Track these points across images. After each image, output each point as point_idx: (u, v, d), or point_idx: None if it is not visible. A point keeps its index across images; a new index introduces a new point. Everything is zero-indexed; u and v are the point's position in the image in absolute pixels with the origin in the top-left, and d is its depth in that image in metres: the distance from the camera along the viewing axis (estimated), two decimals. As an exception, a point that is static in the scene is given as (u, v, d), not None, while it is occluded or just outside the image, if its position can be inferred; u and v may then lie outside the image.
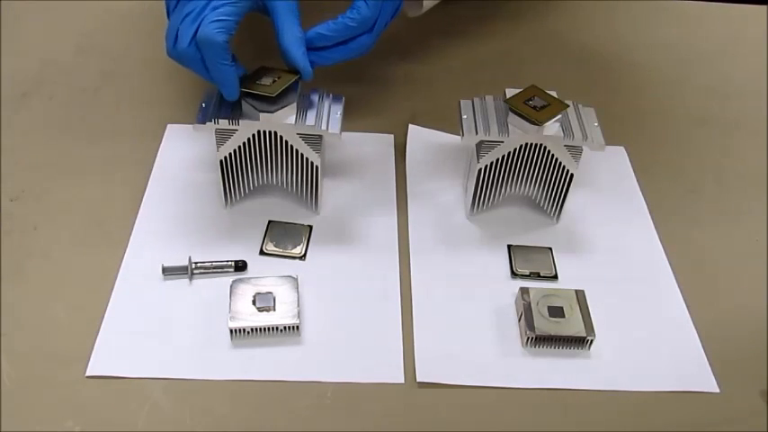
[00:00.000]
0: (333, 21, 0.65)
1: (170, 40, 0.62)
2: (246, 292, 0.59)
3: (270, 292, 0.59)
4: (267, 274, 0.62)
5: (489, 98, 0.67)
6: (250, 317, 0.58)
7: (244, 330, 0.58)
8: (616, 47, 0.94)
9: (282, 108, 0.61)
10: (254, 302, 0.59)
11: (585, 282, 0.63)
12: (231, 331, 0.58)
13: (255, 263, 0.64)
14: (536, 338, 0.59)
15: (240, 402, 0.55)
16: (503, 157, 0.65)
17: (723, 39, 0.98)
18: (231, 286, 0.60)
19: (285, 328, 0.58)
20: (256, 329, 0.58)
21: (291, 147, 0.64)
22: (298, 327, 0.58)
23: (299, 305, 0.59)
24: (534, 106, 0.63)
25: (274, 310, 0.59)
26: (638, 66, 0.91)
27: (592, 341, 0.59)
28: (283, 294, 0.59)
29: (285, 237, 0.67)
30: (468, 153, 0.69)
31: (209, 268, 0.63)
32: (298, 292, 0.60)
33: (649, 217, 0.72)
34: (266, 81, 0.62)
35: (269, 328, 0.58)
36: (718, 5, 1.03)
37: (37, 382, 0.55)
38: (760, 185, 0.76)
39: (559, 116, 0.63)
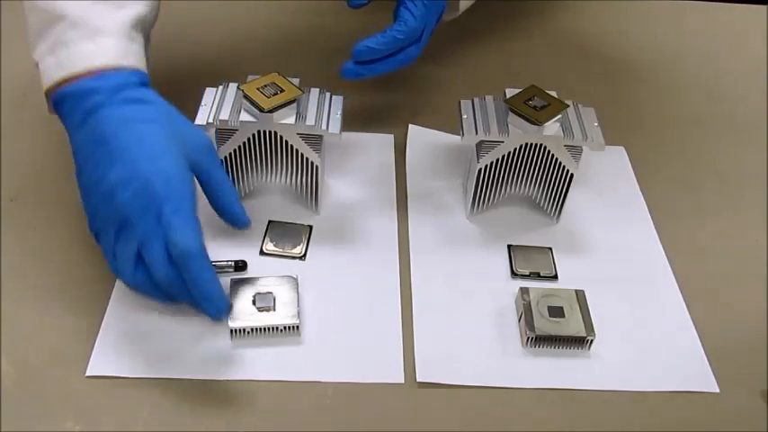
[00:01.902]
0: (381, 34, 0.64)
1: (127, 271, 0.53)
2: (246, 292, 0.59)
3: (270, 292, 0.59)
4: (267, 274, 0.62)
5: (489, 98, 0.67)
6: (250, 317, 0.58)
7: (244, 330, 0.58)
8: (616, 47, 0.94)
9: (282, 108, 0.61)
10: (254, 302, 0.59)
11: (585, 282, 0.63)
12: (231, 331, 0.58)
13: (255, 263, 0.64)
14: (536, 338, 0.59)
15: (240, 402, 0.55)
16: (503, 157, 0.65)
17: (723, 39, 0.98)
18: (231, 286, 0.60)
19: (285, 328, 0.58)
20: (256, 329, 0.58)
21: (291, 147, 0.64)
22: (298, 327, 0.58)
23: (298, 305, 0.59)
24: (534, 106, 0.63)
25: (274, 310, 0.58)
26: (639, 66, 0.91)
27: (592, 341, 0.59)
28: (283, 294, 0.59)
29: (285, 237, 0.67)
30: (468, 153, 0.69)
31: (209, 268, 0.63)
32: (298, 292, 0.60)
33: (649, 217, 0.72)
34: (268, 92, 0.62)
35: (269, 328, 0.58)
36: (718, 5, 1.03)
37: (37, 382, 0.55)
38: (760, 185, 0.76)
39: (559, 116, 0.63)
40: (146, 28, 0.61)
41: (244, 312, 0.58)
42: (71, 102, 0.55)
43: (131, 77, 0.56)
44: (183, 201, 0.52)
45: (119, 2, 0.58)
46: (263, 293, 0.59)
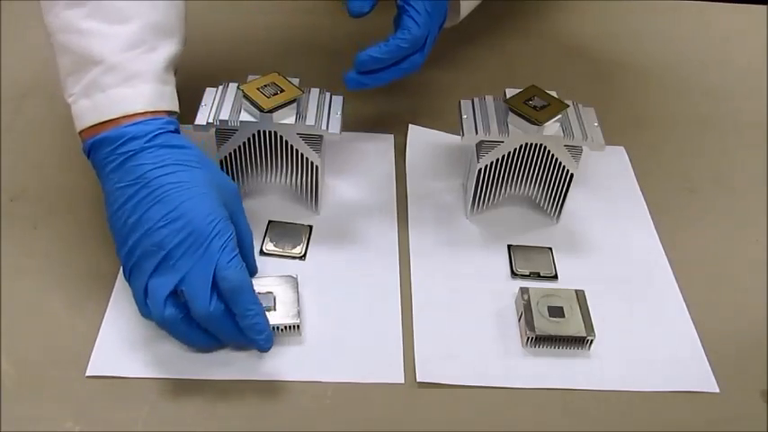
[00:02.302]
0: (384, 43, 0.62)
1: (158, 307, 0.54)
2: None
3: (270, 292, 0.59)
4: (267, 274, 0.62)
5: (489, 98, 0.67)
6: None
7: None
8: (616, 47, 0.94)
9: (282, 108, 0.61)
10: None
11: (585, 282, 0.63)
12: None
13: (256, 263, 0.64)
14: (536, 338, 0.59)
15: (240, 402, 0.55)
16: (503, 157, 0.65)
17: (723, 39, 0.98)
18: None
19: (285, 327, 0.58)
20: None
21: (291, 147, 0.64)
22: (298, 326, 0.58)
23: (299, 305, 0.59)
24: (534, 106, 0.63)
25: (275, 309, 0.58)
26: (639, 66, 0.91)
27: (592, 341, 0.59)
28: (283, 294, 0.59)
29: (285, 237, 0.67)
30: (468, 153, 0.69)
31: (209, 268, 0.63)
32: (298, 292, 0.60)
33: (649, 217, 0.72)
34: (268, 92, 0.62)
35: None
36: (718, 5, 1.03)
37: (37, 382, 0.55)
38: (760, 185, 0.76)
39: (559, 116, 0.63)
40: (176, 65, 0.62)
41: None
42: (108, 146, 0.56)
43: (168, 124, 0.57)
44: (229, 239, 0.54)
45: (152, 44, 0.58)
46: (263, 293, 0.59)
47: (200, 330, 0.55)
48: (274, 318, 0.58)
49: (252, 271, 0.61)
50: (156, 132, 0.56)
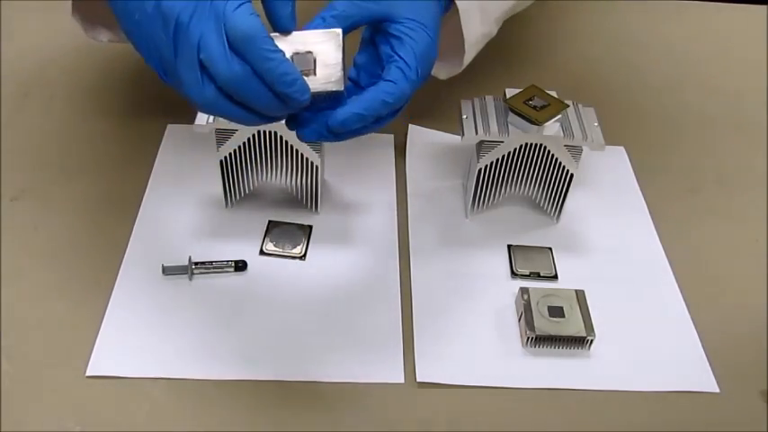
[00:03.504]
0: (367, 97, 0.52)
1: (194, 89, 0.47)
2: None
3: (309, 52, 0.50)
4: (267, 273, 0.61)
5: (489, 98, 0.67)
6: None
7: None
8: (616, 47, 0.94)
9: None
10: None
11: (585, 282, 0.64)
12: None
13: (255, 263, 0.64)
14: (536, 338, 0.59)
15: (240, 402, 0.55)
16: (503, 157, 0.65)
17: (723, 39, 0.98)
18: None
19: (327, 94, 0.49)
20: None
21: (291, 147, 0.64)
22: (342, 93, 0.50)
23: (344, 67, 0.49)
24: (534, 106, 0.63)
25: (314, 74, 0.49)
26: (638, 66, 0.91)
27: (592, 341, 0.59)
28: (325, 55, 0.50)
29: (285, 237, 0.67)
30: (468, 153, 0.69)
31: (209, 268, 0.63)
32: (343, 51, 0.50)
33: (649, 217, 0.72)
34: None
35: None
36: (718, 5, 1.03)
37: (37, 382, 0.55)
38: (760, 185, 0.76)
39: (559, 116, 0.63)
40: None
41: None
42: None
43: None
44: None
45: None
46: (301, 53, 0.50)
47: (235, 104, 0.48)
48: (314, 83, 0.49)
49: (287, 24, 0.50)
50: None
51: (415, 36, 0.54)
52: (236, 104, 0.48)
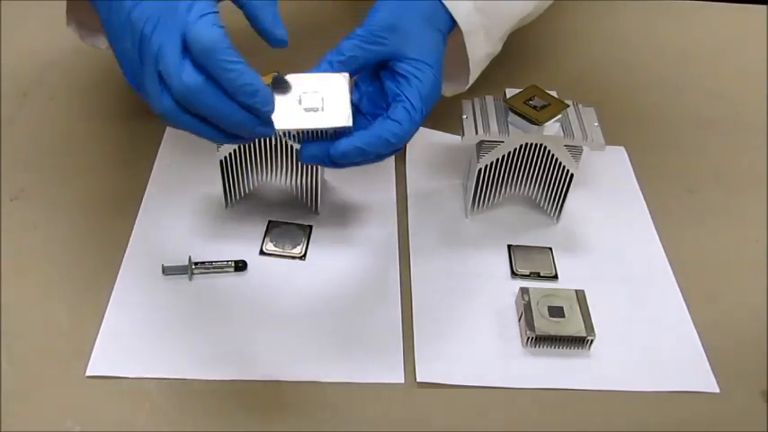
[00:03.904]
0: (371, 133, 0.53)
1: (154, 97, 0.47)
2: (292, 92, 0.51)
3: (316, 92, 0.51)
4: (267, 273, 0.61)
5: (489, 98, 0.67)
6: (295, 118, 0.50)
7: (289, 133, 0.50)
8: (616, 47, 0.94)
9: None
10: (299, 102, 0.51)
11: (585, 282, 0.64)
12: (276, 133, 0.50)
13: (255, 263, 0.64)
14: (536, 338, 0.59)
15: (240, 402, 0.55)
16: (503, 157, 0.65)
17: (723, 39, 0.98)
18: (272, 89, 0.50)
19: (335, 131, 0.50)
20: (303, 132, 0.52)
21: (291, 147, 0.64)
22: (350, 130, 0.51)
23: (351, 105, 0.51)
24: (534, 106, 0.63)
25: (322, 110, 0.50)
26: (638, 66, 0.91)
27: (592, 341, 0.59)
28: (331, 94, 0.51)
29: (285, 237, 0.67)
30: (468, 153, 0.69)
31: (209, 268, 0.63)
32: (350, 91, 0.52)
33: (649, 217, 0.72)
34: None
35: (316, 132, 0.52)
36: (718, 5, 1.03)
37: (37, 382, 0.55)
38: (760, 185, 0.76)
39: (559, 116, 0.63)
40: None
41: (288, 112, 0.50)
42: None
43: None
44: None
45: None
46: (309, 93, 0.51)
47: (194, 116, 0.47)
48: (322, 119, 0.50)
49: (277, 37, 0.50)
50: None
51: (421, 76, 0.55)
52: (195, 117, 0.47)
